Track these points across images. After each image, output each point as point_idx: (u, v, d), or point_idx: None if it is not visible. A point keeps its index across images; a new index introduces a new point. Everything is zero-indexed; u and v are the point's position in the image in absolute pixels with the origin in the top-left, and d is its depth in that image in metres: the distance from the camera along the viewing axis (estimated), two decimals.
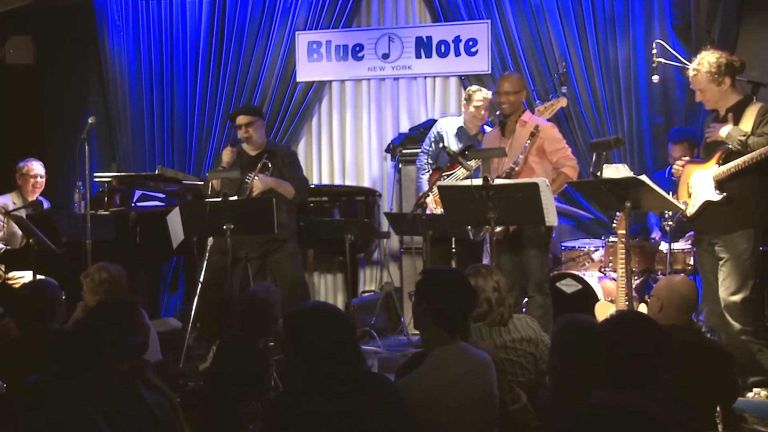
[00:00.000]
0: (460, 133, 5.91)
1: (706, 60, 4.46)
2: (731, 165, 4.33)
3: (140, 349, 3.00)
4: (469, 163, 5.17)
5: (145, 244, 6.03)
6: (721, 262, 4.46)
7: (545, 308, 5.00)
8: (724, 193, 4.37)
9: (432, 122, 6.39)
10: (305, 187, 5.77)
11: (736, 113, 4.41)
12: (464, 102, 5.94)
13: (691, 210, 4.56)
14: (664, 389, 2.30)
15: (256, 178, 5.38)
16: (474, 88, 5.97)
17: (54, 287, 3.88)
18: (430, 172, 5.98)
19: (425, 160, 6.06)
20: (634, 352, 2.24)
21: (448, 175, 5.69)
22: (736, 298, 4.39)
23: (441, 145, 5.79)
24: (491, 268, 3.83)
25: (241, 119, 5.53)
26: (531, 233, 4.98)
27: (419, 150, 6.18)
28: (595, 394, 2.28)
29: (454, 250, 5.83)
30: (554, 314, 5.23)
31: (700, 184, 4.51)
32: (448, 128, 5.97)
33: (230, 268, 4.95)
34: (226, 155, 5.45)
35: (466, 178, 5.44)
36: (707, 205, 4.46)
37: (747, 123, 4.35)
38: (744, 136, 4.28)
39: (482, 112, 5.84)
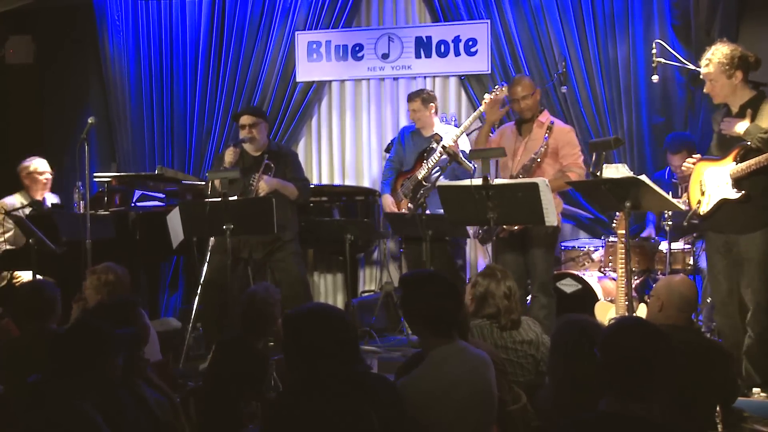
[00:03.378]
0: (415, 136, 6.08)
1: (720, 51, 4.36)
2: (752, 162, 4.21)
3: (131, 339, 2.97)
4: (469, 163, 5.23)
5: (144, 244, 6.03)
6: (745, 264, 4.36)
7: (549, 309, 4.99)
8: (742, 191, 4.27)
9: None
10: (308, 188, 5.84)
11: (752, 110, 4.29)
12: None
13: (704, 208, 4.45)
14: (665, 390, 2.30)
15: (261, 179, 5.39)
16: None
17: (52, 287, 3.88)
18: (394, 177, 6.12)
19: (389, 167, 6.22)
20: (634, 360, 2.24)
21: (408, 178, 5.95)
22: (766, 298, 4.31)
23: (441, 145, 5.80)
24: (507, 272, 3.82)
25: (245, 119, 5.55)
26: (537, 233, 4.96)
27: None
28: (602, 402, 2.28)
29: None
30: None
31: (714, 182, 4.39)
32: (405, 134, 6.21)
33: (230, 269, 4.95)
34: (229, 155, 5.46)
35: (430, 175, 5.68)
36: (723, 204, 4.36)
37: (764, 119, 4.23)
38: (766, 133, 4.16)
39: (416, 115, 6.00)
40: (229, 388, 3.47)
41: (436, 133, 5.73)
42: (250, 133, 5.51)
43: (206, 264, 5.45)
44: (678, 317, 3.40)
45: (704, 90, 4.57)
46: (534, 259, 5.01)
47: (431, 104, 5.98)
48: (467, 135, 5.84)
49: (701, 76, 4.54)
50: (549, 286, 5.09)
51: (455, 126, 6.25)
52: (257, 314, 3.78)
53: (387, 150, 6.79)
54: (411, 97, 6.06)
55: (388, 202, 6.01)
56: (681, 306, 3.43)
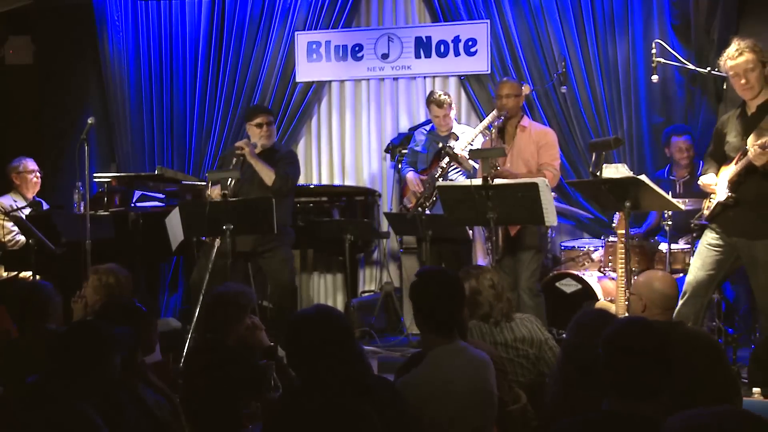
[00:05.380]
0: (432, 136, 6.15)
1: (747, 41, 4.17)
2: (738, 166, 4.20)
3: (129, 339, 2.94)
4: (470, 162, 5.27)
5: (144, 245, 6.03)
6: (750, 267, 4.35)
7: (537, 310, 5.01)
8: (730, 194, 4.26)
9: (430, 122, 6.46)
10: (287, 183, 5.55)
11: None
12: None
13: (707, 212, 4.45)
14: (669, 389, 2.29)
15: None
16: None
17: (48, 288, 3.86)
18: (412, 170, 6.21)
19: (406, 161, 6.35)
20: (638, 360, 2.23)
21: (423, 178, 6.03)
22: None
23: (440, 145, 5.83)
24: (482, 267, 3.84)
25: (263, 118, 5.57)
26: (526, 233, 5.01)
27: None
28: (605, 402, 2.27)
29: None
30: (553, 314, 5.25)
31: (720, 184, 4.38)
32: (420, 133, 6.31)
33: (230, 269, 4.94)
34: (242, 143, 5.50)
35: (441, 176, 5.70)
36: (725, 206, 4.32)
37: None
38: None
39: (444, 120, 6.03)
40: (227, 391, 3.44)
41: (453, 133, 5.87)
42: (268, 130, 5.55)
43: (206, 265, 5.41)
44: (662, 315, 3.37)
45: (738, 86, 4.25)
46: (522, 259, 5.07)
47: (453, 107, 6.09)
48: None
49: (728, 71, 4.26)
50: (534, 287, 5.13)
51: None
52: (222, 312, 3.65)
53: (387, 150, 6.80)
54: (440, 103, 5.98)
55: (412, 178, 6.05)
56: (665, 304, 3.40)
